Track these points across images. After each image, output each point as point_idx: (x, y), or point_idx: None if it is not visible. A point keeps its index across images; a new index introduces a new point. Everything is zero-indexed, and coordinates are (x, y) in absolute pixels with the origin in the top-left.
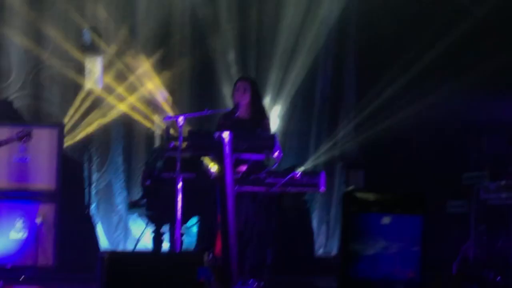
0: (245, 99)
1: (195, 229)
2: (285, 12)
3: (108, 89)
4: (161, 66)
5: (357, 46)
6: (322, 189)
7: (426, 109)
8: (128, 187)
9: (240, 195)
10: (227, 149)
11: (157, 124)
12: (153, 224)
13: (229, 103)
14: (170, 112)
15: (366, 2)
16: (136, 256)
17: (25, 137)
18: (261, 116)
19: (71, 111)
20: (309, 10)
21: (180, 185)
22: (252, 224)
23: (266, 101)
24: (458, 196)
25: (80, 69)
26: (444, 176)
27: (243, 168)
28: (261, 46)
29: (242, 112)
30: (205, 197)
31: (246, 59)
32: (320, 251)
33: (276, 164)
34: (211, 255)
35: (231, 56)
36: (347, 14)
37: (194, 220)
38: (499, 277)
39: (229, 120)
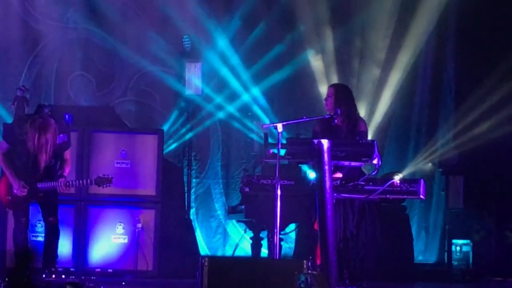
0: (329, 105)
1: (293, 236)
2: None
3: (208, 95)
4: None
5: (456, 51)
6: (422, 196)
7: None
8: (227, 192)
9: (338, 202)
10: (325, 156)
11: (255, 131)
12: (252, 230)
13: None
14: (268, 119)
15: (466, 6)
16: (236, 262)
17: (104, 183)
18: (355, 122)
19: (171, 117)
20: (407, 14)
21: (279, 191)
22: (355, 232)
23: (365, 107)
24: None
25: (180, 75)
26: None
27: (339, 175)
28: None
29: (336, 119)
30: (303, 204)
31: (345, 65)
32: (419, 258)
33: (376, 171)
34: (310, 263)
35: (331, 61)
36: (447, 18)
37: (292, 226)
38: None
39: (325, 127)
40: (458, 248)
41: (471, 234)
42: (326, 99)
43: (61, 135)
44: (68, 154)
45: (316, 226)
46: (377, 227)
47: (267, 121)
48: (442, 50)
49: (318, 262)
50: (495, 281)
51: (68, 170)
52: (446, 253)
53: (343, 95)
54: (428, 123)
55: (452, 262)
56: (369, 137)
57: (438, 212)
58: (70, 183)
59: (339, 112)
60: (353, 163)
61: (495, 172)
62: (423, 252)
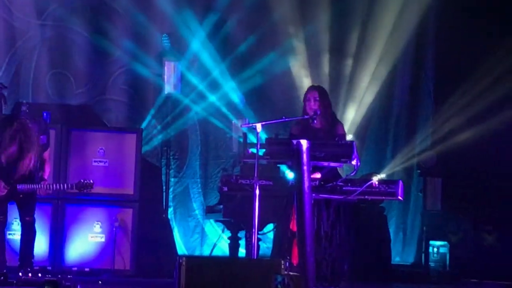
0: (315, 108)
1: (271, 236)
2: (363, 19)
3: (186, 95)
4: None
5: (435, 54)
6: (400, 197)
7: (506, 117)
8: (205, 192)
9: (316, 203)
10: (304, 157)
11: (235, 131)
12: (229, 230)
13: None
14: (248, 119)
15: (445, 8)
16: (213, 261)
17: (86, 188)
18: (333, 124)
19: (149, 116)
20: (387, 16)
21: (257, 191)
22: (329, 232)
23: (343, 108)
24: None
25: (159, 74)
26: None
27: (318, 175)
28: (337, 53)
29: (315, 122)
30: (282, 204)
31: (322, 65)
32: (396, 259)
33: (355, 172)
34: (287, 263)
35: (307, 63)
36: (426, 21)
37: (270, 227)
38: None
39: (303, 129)
40: (435, 249)
41: (448, 235)
42: (309, 101)
43: (42, 136)
44: (47, 155)
45: (292, 226)
46: (351, 229)
47: (235, 120)
48: (422, 52)
49: (295, 262)
50: (472, 282)
51: (48, 171)
52: (423, 255)
53: (326, 98)
54: (407, 124)
55: (429, 263)
56: (348, 138)
57: (416, 214)
58: (51, 186)
59: (318, 112)
60: (332, 164)
61: (472, 174)
62: (401, 253)
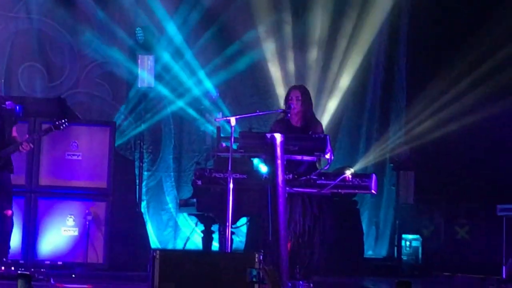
0: (297, 108)
1: (244, 230)
2: (337, 14)
3: (160, 88)
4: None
5: (408, 48)
6: (374, 191)
7: (478, 111)
8: (178, 186)
9: (290, 196)
10: (278, 150)
11: (208, 124)
12: (203, 224)
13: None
14: (222, 113)
15: (418, 2)
16: (188, 255)
17: (62, 125)
18: (314, 124)
19: (123, 109)
20: (361, 11)
21: (231, 185)
22: (302, 226)
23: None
24: (508, 199)
25: (133, 68)
26: (495, 179)
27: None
28: (312, 49)
29: (295, 120)
30: (255, 197)
31: (297, 60)
32: (369, 253)
33: (328, 166)
34: (261, 256)
35: (282, 57)
36: (399, 16)
37: (243, 220)
38: None
39: (283, 128)
40: (407, 243)
41: (420, 229)
42: (291, 101)
43: (8, 102)
44: (15, 131)
45: None
46: (331, 224)
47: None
48: (394, 48)
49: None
50: (444, 276)
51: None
52: (396, 248)
53: (308, 97)
54: (380, 119)
55: (402, 257)
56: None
57: (389, 207)
58: (29, 140)
59: (292, 106)
60: (305, 157)
61: (445, 168)
62: (373, 247)
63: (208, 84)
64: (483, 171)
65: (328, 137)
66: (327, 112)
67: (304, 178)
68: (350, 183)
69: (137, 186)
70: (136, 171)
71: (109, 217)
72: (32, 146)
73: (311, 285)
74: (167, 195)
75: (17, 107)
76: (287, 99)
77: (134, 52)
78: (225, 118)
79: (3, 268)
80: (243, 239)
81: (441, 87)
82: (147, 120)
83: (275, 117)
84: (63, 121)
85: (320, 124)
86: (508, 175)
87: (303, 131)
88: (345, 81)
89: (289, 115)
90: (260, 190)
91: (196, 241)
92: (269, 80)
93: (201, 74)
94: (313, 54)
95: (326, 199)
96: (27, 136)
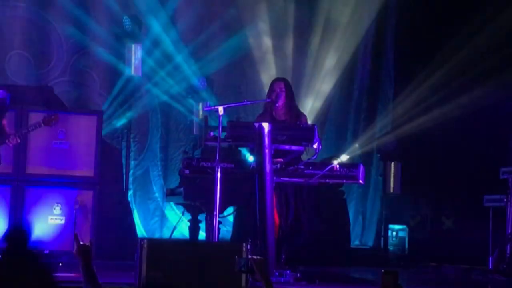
0: (281, 101)
1: (231, 219)
2: (324, 5)
3: (148, 77)
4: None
5: (396, 38)
6: (361, 181)
7: (465, 102)
8: (165, 175)
9: (278, 186)
10: (266, 140)
11: (195, 114)
12: (190, 213)
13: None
14: (209, 102)
15: None
16: (175, 244)
17: (52, 120)
18: (297, 115)
19: (110, 98)
20: (348, 2)
21: (219, 174)
22: (290, 215)
23: (304, 92)
24: (495, 190)
25: (120, 56)
26: (482, 170)
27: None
28: (299, 37)
29: (279, 114)
30: (242, 187)
31: (284, 49)
32: (355, 243)
33: (316, 156)
34: (249, 246)
35: (269, 46)
36: (386, 5)
37: (230, 209)
38: None
39: (268, 120)
40: (394, 233)
41: (407, 219)
42: (275, 93)
43: (0, 90)
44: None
45: None
46: (314, 211)
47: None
48: (382, 37)
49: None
50: (431, 266)
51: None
52: (382, 238)
53: (291, 90)
54: (367, 109)
55: (388, 247)
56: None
57: (375, 197)
58: (18, 134)
59: (276, 106)
60: (293, 147)
61: (432, 159)
62: (360, 237)
63: (196, 73)
64: (470, 162)
65: (315, 126)
66: (315, 102)
67: (291, 168)
68: (338, 173)
69: (124, 175)
70: (123, 160)
71: (96, 206)
72: (19, 140)
73: (298, 274)
74: (154, 184)
75: (8, 96)
76: (271, 90)
77: (122, 40)
78: (213, 108)
79: None
80: (230, 228)
81: (428, 78)
82: (134, 109)
83: (263, 106)
84: (52, 116)
85: (304, 116)
86: (495, 165)
87: (287, 123)
88: (332, 71)
89: (277, 104)
90: (247, 179)
91: (182, 231)
92: (257, 70)
93: (190, 62)
94: (300, 45)
95: (313, 189)
96: (13, 130)
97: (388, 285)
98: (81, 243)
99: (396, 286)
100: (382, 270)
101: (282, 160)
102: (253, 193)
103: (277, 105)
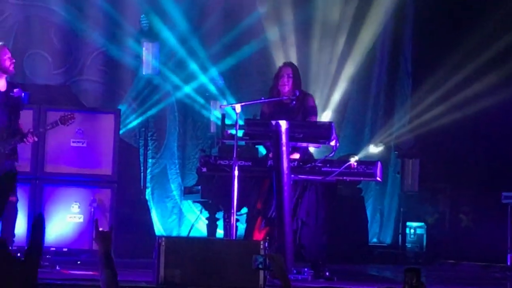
0: (288, 85)
1: None
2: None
3: (165, 75)
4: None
5: (414, 34)
6: (379, 178)
7: (483, 98)
8: (182, 173)
9: (295, 183)
10: (283, 137)
11: (213, 112)
12: (207, 211)
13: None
14: (227, 100)
15: None
16: (193, 242)
17: (69, 119)
18: (304, 97)
19: (128, 97)
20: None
21: (236, 172)
22: (308, 213)
23: (321, 90)
24: None
25: (138, 55)
26: (500, 167)
27: (296, 155)
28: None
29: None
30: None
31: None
32: (373, 240)
33: (333, 153)
34: (267, 244)
35: (288, 44)
36: (405, 2)
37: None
38: None
39: (274, 105)
40: (412, 230)
41: (425, 217)
42: (282, 78)
43: (16, 89)
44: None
45: (259, 205)
46: (332, 209)
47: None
48: (400, 34)
49: (258, 237)
50: (449, 263)
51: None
52: (400, 236)
53: (298, 75)
54: (385, 106)
55: (406, 244)
56: (326, 119)
57: (393, 195)
58: (35, 132)
59: (297, 93)
60: (310, 145)
61: (450, 156)
62: (378, 234)
63: (213, 71)
64: (488, 159)
65: (332, 124)
66: (332, 99)
67: (309, 165)
68: (355, 171)
69: (142, 174)
70: (141, 159)
71: (114, 204)
72: (36, 139)
73: (316, 272)
74: (171, 182)
75: (23, 94)
76: (278, 75)
77: (139, 39)
78: (230, 105)
79: None
80: None
81: (447, 74)
82: (152, 108)
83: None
84: (69, 115)
85: (311, 97)
86: None
87: (295, 107)
88: (350, 67)
89: (294, 102)
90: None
91: (200, 229)
92: (274, 67)
93: (206, 60)
94: (318, 40)
95: (331, 187)
96: (32, 128)
97: (411, 282)
98: (100, 229)
99: (419, 283)
100: (405, 268)
101: (298, 157)
102: (255, 190)
103: (284, 90)
